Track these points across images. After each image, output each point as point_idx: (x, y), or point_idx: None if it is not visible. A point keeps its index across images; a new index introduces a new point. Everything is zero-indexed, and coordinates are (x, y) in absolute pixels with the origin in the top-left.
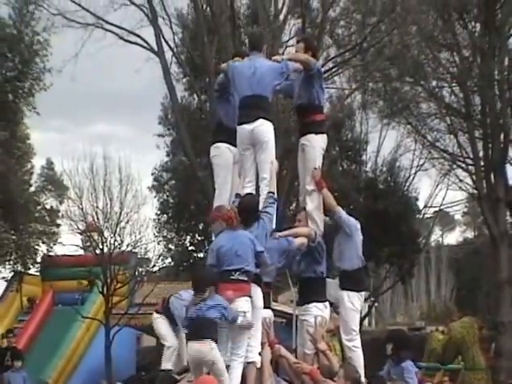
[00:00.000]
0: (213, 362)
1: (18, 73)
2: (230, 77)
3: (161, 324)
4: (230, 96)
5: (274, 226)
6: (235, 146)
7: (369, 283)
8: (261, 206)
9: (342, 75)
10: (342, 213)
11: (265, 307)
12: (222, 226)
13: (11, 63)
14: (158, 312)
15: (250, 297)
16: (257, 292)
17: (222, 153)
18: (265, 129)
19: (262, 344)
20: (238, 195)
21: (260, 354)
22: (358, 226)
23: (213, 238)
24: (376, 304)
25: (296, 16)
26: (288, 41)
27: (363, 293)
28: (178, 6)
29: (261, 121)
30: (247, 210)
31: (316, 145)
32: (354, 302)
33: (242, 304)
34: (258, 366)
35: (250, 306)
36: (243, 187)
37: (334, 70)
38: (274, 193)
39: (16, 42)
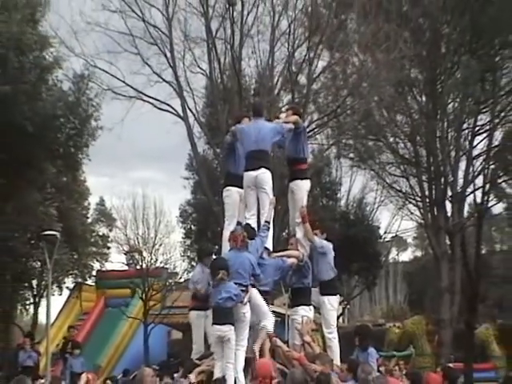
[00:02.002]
0: (229, 339)
1: (77, 131)
2: (238, 136)
3: (195, 326)
4: (235, 151)
5: (267, 245)
6: (241, 187)
7: (342, 290)
8: None
9: (321, 134)
10: (315, 239)
11: None
12: (232, 245)
13: (72, 123)
14: (193, 309)
15: (249, 301)
16: (253, 292)
17: (230, 194)
18: (266, 176)
19: None
20: (238, 223)
21: (262, 344)
22: (330, 245)
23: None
24: (348, 306)
25: (287, 90)
26: (282, 108)
27: (338, 295)
28: (200, 83)
29: (263, 169)
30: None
31: (302, 188)
32: (332, 304)
33: (242, 307)
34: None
35: (249, 307)
36: (247, 219)
37: (315, 130)
38: (268, 222)
39: (75, 107)
